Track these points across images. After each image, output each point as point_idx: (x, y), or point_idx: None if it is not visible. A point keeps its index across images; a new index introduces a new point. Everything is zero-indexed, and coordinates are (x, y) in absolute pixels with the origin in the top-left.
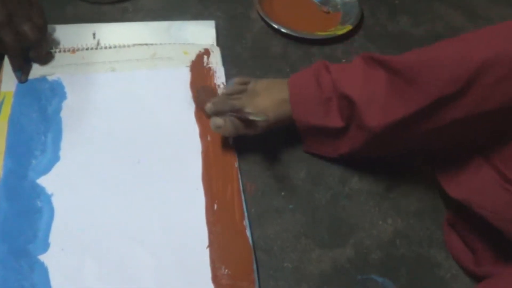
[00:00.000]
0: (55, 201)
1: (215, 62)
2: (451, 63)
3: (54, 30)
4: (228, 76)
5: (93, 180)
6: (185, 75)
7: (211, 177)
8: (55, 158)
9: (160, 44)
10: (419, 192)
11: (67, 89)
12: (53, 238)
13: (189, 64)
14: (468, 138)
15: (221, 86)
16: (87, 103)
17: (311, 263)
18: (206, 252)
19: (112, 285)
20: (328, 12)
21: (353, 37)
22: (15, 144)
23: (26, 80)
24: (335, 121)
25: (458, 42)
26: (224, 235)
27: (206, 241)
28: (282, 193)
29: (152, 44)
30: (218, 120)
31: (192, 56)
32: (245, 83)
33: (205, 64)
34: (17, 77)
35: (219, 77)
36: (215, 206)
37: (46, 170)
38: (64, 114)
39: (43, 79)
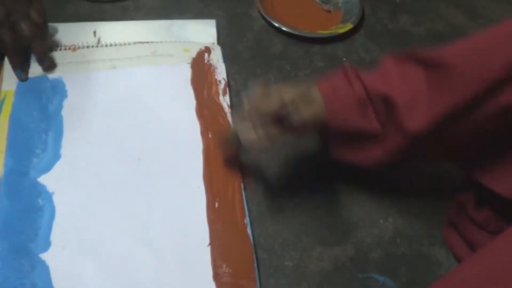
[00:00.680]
0: (56, 199)
1: (216, 59)
2: (495, 50)
3: (54, 28)
4: (228, 74)
5: (94, 178)
6: (186, 72)
7: (212, 175)
8: (56, 157)
9: (161, 42)
10: (420, 191)
11: (68, 87)
12: (54, 236)
13: (189, 61)
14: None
15: (222, 81)
16: (88, 101)
17: (312, 262)
18: (207, 250)
19: (113, 283)
20: (329, 11)
21: (354, 35)
22: (16, 142)
23: (26, 79)
24: (373, 123)
25: (498, 29)
26: (225, 233)
27: (207, 239)
28: (283, 191)
29: (152, 42)
30: (250, 134)
31: (193, 54)
32: (267, 87)
33: (206, 61)
34: (17, 76)
35: (220, 73)
36: (216, 204)
37: (47, 168)
38: (65, 112)
39: (43, 77)
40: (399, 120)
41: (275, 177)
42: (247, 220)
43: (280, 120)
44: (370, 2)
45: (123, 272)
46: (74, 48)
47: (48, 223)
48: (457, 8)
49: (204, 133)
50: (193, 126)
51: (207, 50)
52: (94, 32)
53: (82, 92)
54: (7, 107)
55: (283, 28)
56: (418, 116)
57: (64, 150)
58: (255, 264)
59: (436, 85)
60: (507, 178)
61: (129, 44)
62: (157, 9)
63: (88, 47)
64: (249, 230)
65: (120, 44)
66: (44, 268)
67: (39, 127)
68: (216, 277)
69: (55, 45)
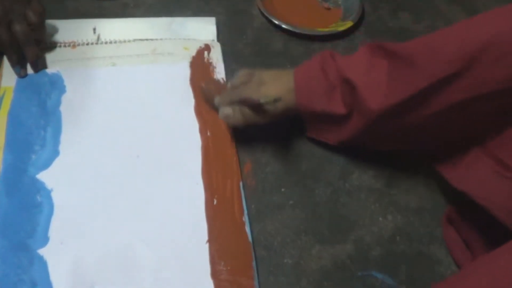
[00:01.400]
0: (55, 196)
1: (216, 57)
2: (451, 44)
3: (54, 25)
4: (228, 71)
5: (92, 175)
6: (185, 70)
7: (211, 172)
8: (55, 153)
9: (161, 39)
10: (420, 188)
11: (66, 83)
12: (52, 232)
13: (189, 59)
14: (466, 126)
15: (221, 81)
16: (87, 97)
17: (311, 259)
18: (206, 247)
19: (111, 279)
20: (329, 8)
21: (354, 33)
22: (14, 139)
23: (25, 75)
24: (338, 107)
25: (459, 25)
26: (224, 230)
27: (205, 236)
28: (282, 189)
29: (152, 40)
30: (226, 110)
31: (193, 52)
32: (250, 75)
33: (205, 60)
34: (16, 73)
35: (219, 72)
36: (215, 201)
37: (46, 165)
38: (63, 108)
39: (42, 72)
40: (361, 102)
41: (274, 174)
42: (245, 218)
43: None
44: None
45: (121, 268)
46: (74, 45)
47: (47, 219)
48: (458, 5)
49: (202, 131)
50: (192, 124)
51: (207, 48)
52: (94, 29)
53: (81, 87)
54: (6, 104)
55: (283, 26)
56: (377, 100)
57: (62, 147)
58: (254, 262)
59: (395, 76)
60: (459, 173)
61: (129, 41)
62: (157, 7)
63: (88, 44)
64: (247, 228)
65: (120, 41)
66: (43, 264)
67: (38, 123)
68: (214, 274)
69: (54, 42)
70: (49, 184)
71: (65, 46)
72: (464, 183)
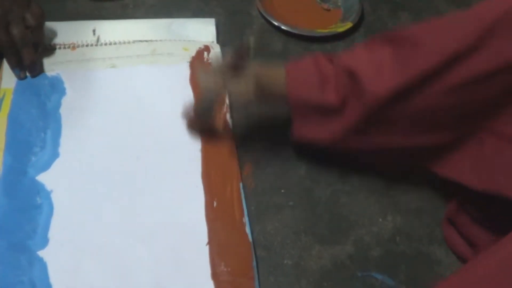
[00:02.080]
0: (55, 197)
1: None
2: (463, 20)
3: (54, 26)
4: None
5: (92, 176)
6: (185, 71)
7: (211, 174)
8: (55, 155)
9: (160, 40)
10: (419, 189)
11: (66, 85)
12: (52, 234)
13: (189, 60)
14: (477, 109)
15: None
16: (87, 99)
17: (311, 260)
18: (206, 249)
19: (111, 281)
20: (329, 9)
21: (354, 34)
22: (14, 140)
23: (25, 77)
24: (331, 97)
25: (467, 7)
26: (224, 232)
27: (205, 238)
28: (282, 190)
29: (152, 41)
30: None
31: (192, 52)
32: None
33: (205, 60)
34: (16, 75)
35: None
36: (215, 203)
37: (46, 166)
38: (63, 110)
39: (42, 75)
40: (361, 88)
41: (274, 175)
42: (245, 219)
43: None
44: (370, 0)
45: (121, 270)
46: (73, 47)
47: (46, 220)
48: (457, 5)
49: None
50: None
51: (207, 48)
52: (94, 31)
53: (81, 90)
54: (6, 105)
55: (283, 27)
56: (381, 83)
57: (62, 149)
58: (254, 263)
59: (401, 58)
60: (465, 166)
61: (129, 42)
62: (157, 8)
63: (87, 45)
64: (247, 229)
65: (120, 43)
66: (42, 265)
67: (38, 125)
68: (215, 275)
69: (54, 44)
70: (49, 185)
71: (64, 47)
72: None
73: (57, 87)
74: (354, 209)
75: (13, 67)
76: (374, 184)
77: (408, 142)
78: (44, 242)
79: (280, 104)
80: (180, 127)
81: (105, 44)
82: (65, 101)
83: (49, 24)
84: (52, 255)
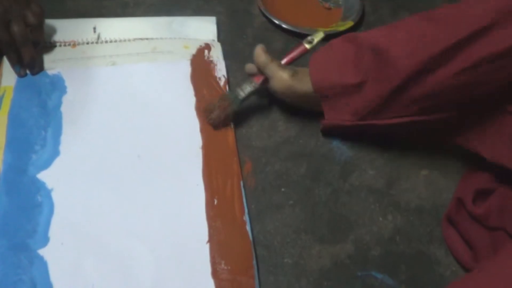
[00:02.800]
0: (55, 196)
1: (216, 56)
2: (480, 2)
3: (54, 24)
4: (228, 71)
5: (93, 175)
6: (186, 69)
7: (211, 172)
8: (55, 153)
9: (161, 38)
10: (419, 188)
11: (67, 83)
12: (52, 232)
13: (189, 58)
14: (495, 86)
15: (222, 78)
16: (87, 97)
17: (311, 259)
18: (206, 247)
19: (111, 280)
20: (330, 8)
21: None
22: (15, 139)
23: (25, 74)
24: (349, 76)
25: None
26: (224, 230)
27: (206, 236)
28: (282, 189)
29: (152, 39)
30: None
31: (193, 50)
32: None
33: (206, 58)
34: (16, 72)
35: (220, 70)
36: (215, 201)
37: (46, 165)
38: (64, 108)
39: (43, 73)
40: (390, 62)
41: (274, 174)
42: (246, 217)
43: None
44: None
45: (121, 269)
46: (73, 44)
47: (47, 219)
48: None
49: (203, 130)
50: (193, 123)
51: (207, 47)
52: (94, 28)
53: (81, 88)
54: (6, 103)
55: (284, 26)
56: (403, 61)
57: (63, 147)
58: (254, 261)
59: (422, 35)
60: (488, 140)
61: (129, 40)
62: (157, 6)
63: (88, 43)
64: (248, 227)
65: (120, 41)
66: (43, 264)
67: (38, 123)
68: (215, 274)
69: (54, 41)
70: (49, 184)
71: (65, 45)
72: (497, 153)
73: (57, 85)
74: (354, 209)
75: (13, 64)
76: (374, 183)
77: (424, 118)
78: (45, 240)
79: (302, 101)
80: (180, 124)
81: (106, 42)
82: (66, 99)
83: (50, 22)
84: (53, 254)
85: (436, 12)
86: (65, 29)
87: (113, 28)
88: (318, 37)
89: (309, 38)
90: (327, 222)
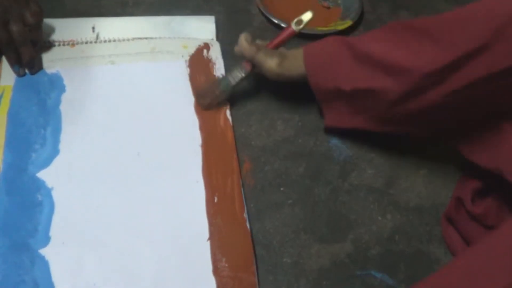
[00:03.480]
0: (55, 194)
1: (215, 56)
2: (477, 18)
3: (53, 24)
4: (228, 69)
5: (93, 173)
6: (185, 68)
7: (211, 169)
8: (55, 152)
9: (160, 38)
10: (419, 188)
11: (66, 82)
12: (53, 232)
13: (188, 57)
14: (490, 104)
15: (221, 77)
16: (86, 96)
17: (310, 258)
18: (207, 245)
19: (113, 278)
20: (329, 7)
21: (354, 32)
22: (14, 138)
23: (24, 74)
24: (343, 82)
25: (483, 1)
26: (225, 227)
27: (206, 234)
28: (282, 188)
29: (151, 38)
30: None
31: (192, 50)
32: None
33: (204, 57)
34: (15, 71)
35: (219, 69)
36: (216, 199)
37: (46, 163)
38: (63, 107)
39: (42, 72)
40: (387, 76)
41: (274, 174)
42: (246, 215)
43: None
44: None
45: (122, 267)
46: (72, 44)
47: (48, 218)
48: (457, 4)
49: (202, 128)
50: (192, 121)
51: (206, 46)
52: (93, 28)
53: (80, 86)
54: (5, 102)
55: (282, 25)
56: (396, 80)
57: (62, 145)
58: (255, 258)
59: (419, 49)
60: (487, 151)
61: (128, 40)
62: (156, 5)
63: (86, 42)
64: (248, 225)
65: (119, 40)
66: (44, 264)
67: (38, 122)
68: (216, 271)
69: (53, 41)
70: (49, 182)
71: (64, 44)
72: (493, 160)
73: (56, 84)
74: (353, 208)
75: (12, 64)
76: (373, 182)
77: (425, 128)
78: (46, 240)
79: (297, 82)
80: (180, 122)
81: (105, 41)
82: (65, 98)
83: (48, 21)
84: (54, 254)
85: (432, 26)
86: (64, 28)
87: (112, 27)
88: (306, 17)
89: (296, 19)
90: (326, 222)
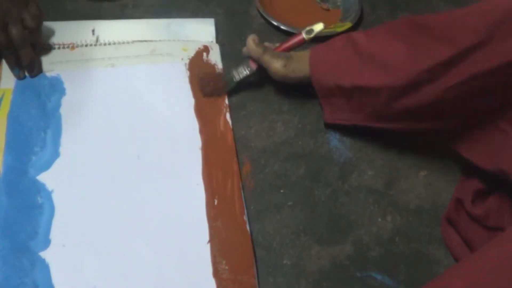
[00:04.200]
0: (56, 197)
1: (214, 58)
2: (475, 13)
3: (53, 26)
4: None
5: (93, 176)
6: (184, 71)
7: (211, 172)
8: (55, 154)
9: (160, 40)
10: (418, 189)
11: (66, 85)
12: (54, 234)
13: (188, 59)
14: (488, 100)
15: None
16: (86, 99)
17: (310, 260)
18: (207, 247)
19: (113, 281)
20: (328, 9)
21: None
22: (15, 140)
23: (24, 77)
24: (347, 80)
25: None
26: (225, 229)
27: (206, 236)
28: (281, 190)
29: (151, 41)
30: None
31: (191, 52)
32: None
33: (204, 60)
34: (15, 74)
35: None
36: (216, 201)
37: (46, 166)
38: (63, 110)
39: (42, 75)
40: (387, 71)
41: (273, 175)
42: (246, 217)
43: None
44: (369, 0)
45: (123, 269)
46: (72, 47)
47: (48, 221)
48: (456, 5)
49: (202, 131)
50: (192, 124)
51: (206, 49)
52: (93, 31)
53: (81, 89)
54: (6, 105)
55: (282, 27)
56: (395, 74)
57: (63, 148)
58: (255, 260)
59: (419, 46)
60: (487, 152)
61: (128, 42)
62: (156, 8)
63: (86, 45)
64: (248, 227)
65: (119, 43)
66: (44, 266)
67: (38, 125)
68: (216, 273)
69: (53, 43)
70: (49, 185)
71: (64, 47)
72: (494, 162)
73: (57, 87)
74: (353, 209)
75: (12, 67)
76: (373, 184)
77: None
78: (46, 242)
79: (301, 84)
80: (180, 125)
81: (104, 44)
82: (65, 101)
83: (48, 24)
84: (54, 256)
85: (431, 22)
86: (63, 31)
87: (112, 30)
88: (317, 28)
89: (307, 28)
90: (326, 223)
